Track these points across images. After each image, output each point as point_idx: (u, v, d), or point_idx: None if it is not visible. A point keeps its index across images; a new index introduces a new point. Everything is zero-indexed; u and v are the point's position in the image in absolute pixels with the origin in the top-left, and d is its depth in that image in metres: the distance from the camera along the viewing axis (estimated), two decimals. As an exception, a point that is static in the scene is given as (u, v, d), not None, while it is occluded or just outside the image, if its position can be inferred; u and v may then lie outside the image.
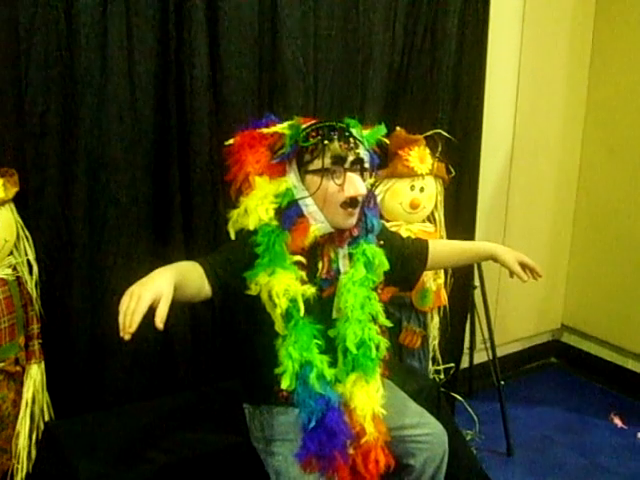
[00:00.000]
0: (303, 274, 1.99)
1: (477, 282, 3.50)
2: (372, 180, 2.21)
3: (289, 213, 2.01)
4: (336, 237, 2.08)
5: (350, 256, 2.13)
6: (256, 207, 2.01)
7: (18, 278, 2.28)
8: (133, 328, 1.57)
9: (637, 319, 4.00)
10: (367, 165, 2.07)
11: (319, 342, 2.01)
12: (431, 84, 3.18)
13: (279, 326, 1.98)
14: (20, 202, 2.26)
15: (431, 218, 3.15)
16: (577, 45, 4.02)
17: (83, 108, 2.35)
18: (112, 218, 2.47)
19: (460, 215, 3.41)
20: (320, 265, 2.07)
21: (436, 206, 3.13)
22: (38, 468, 2.29)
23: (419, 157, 2.94)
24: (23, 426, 2.30)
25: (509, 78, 3.75)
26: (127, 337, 1.57)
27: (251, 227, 2.00)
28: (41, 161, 2.32)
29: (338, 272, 2.10)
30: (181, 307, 2.59)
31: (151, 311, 1.61)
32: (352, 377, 2.08)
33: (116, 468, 2.11)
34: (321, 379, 1.99)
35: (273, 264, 1.95)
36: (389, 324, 2.21)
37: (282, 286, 1.93)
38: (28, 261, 2.29)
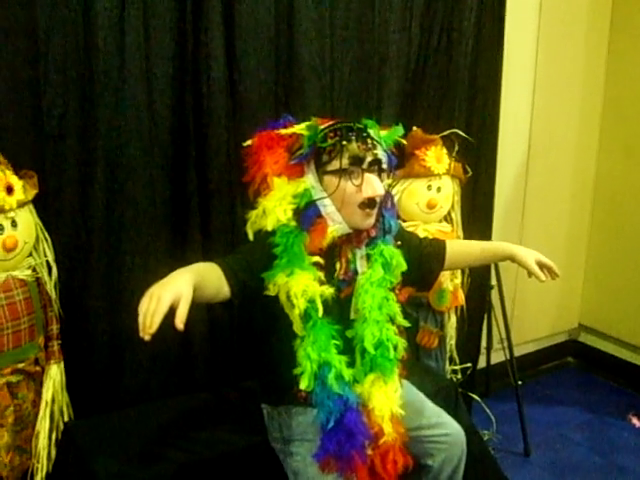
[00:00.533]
0: (321, 275, 1.99)
1: (494, 282, 3.49)
2: (390, 181, 2.20)
3: (307, 214, 2.01)
4: (354, 238, 2.08)
5: (368, 257, 2.12)
6: (274, 208, 2.01)
7: (37, 279, 2.29)
8: (153, 329, 1.58)
9: (655, 319, 3.97)
10: (385, 166, 2.07)
11: (337, 342, 2.01)
12: (447, 83, 3.18)
13: (297, 327, 1.99)
14: (39, 204, 2.27)
15: (448, 218, 3.14)
16: (594, 43, 4.00)
17: (101, 110, 2.36)
18: (130, 219, 2.49)
19: (477, 215, 3.40)
20: (338, 266, 2.07)
21: (453, 206, 3.13)
22: (58, 468, 2.31)
23: (436, 157, 2.94)
24: (43, 426, 2.31)
25: (525, 77, 3.74)
26: (147, 338, 1.58)
27: (269, 228, 2.00)
28: (60, 163, 2.34)
29: (356, 273, 2.10)
30: (200, 307, 2.60)
31: (171, 312, 1.62)
32: (370, 377, 2.08)
33: (134, 467, 2.12)
34: (339, 379, 1.99)
35: (291, 265, 1.95)
36: (407, 324, 2.21)
37: (300, 287, 1.93)
38: (47, 262, 2.31)
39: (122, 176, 2.45)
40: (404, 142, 2.34)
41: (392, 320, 2.14)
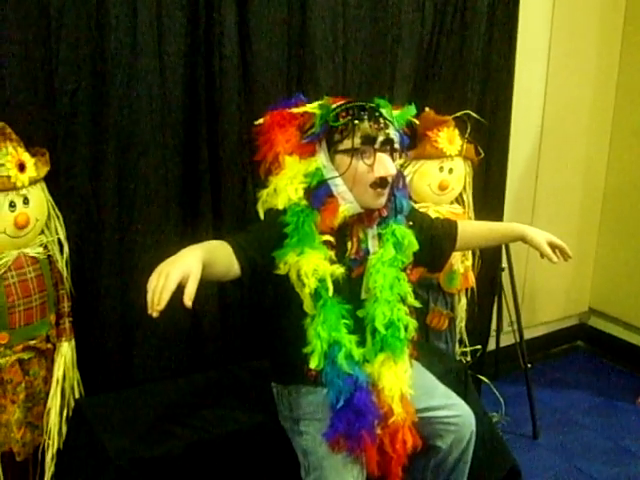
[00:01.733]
0: (332, 254, 1.99)
1: (505, 264, 3.47)
2: (402, 161, 2.20)
3: (318, 193, 2.01)
4: (365, 217, 2.08)
5: (379, 236, 2.12)
6: (285, 187, 2.01)
7: (49, 257, 2.30)
8: (161, 306, 1.58)
9: (666, 303, 3.96)
10: (397, 146, 2.06)
11: (347, 322, 2.01)
12: (460, 64, 3.15)
13: (308, 305, 1.99)
14: (51, 181, 2.27)
15: (459, 200, 3.14)
16: (608, 25, 3.96)
17: (113, 87, 2.36)
18: (141, 197, 2.49)
19: (488, 196, 3.39)
20: (349, 245, 2.06)
21: (465, 188, 3.12)
22: (68, 444, 2.32)
23: (448, 138, 2.92)
24: (54, 403, 2.33)
25: (539, 59, 3.71)
26: (155, 314, 1.58)
27: (280, 207, 2.00)
28: (71, 140, 2.34)
29: (367, 252, 2.10)
30: (210, 286, 2.61)
31: (180, 289, 1.62)
32: (380, 357, 2.08)
33: (144, 444, 2.13)
34: (349, 359, 1.99)
35: (302, 244, 1.95)
36: (418, 305, 2.21)
37: (311, 266, 1.93)
38: (59, 240, 2.31)
39: (134, 154, 2.45)
40: (416, 122, 2.32)
41: (403, 300, 2.14)
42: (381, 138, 2.00)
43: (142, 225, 2.50)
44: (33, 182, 2.17)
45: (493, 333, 3.68)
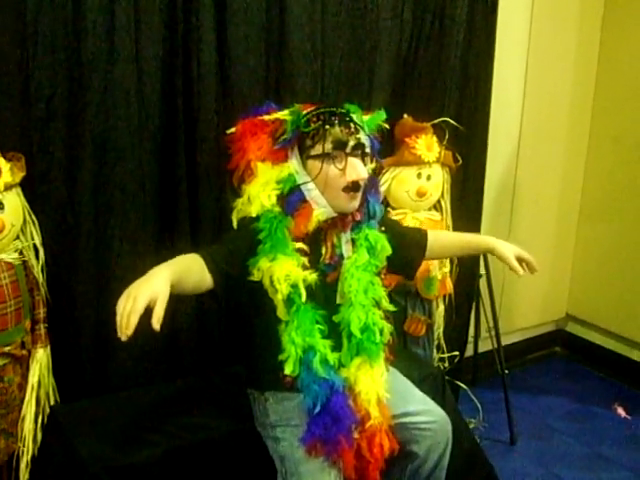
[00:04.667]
0: (305, 260, 2.00)
1: (483, 271, 3.49)
2: (373, 165, 2.21)
3: (292, 199, 2.02)
4: (339, 222, 2.09)
5: (353, 241, 2.13)
6: (258, 194, 2.01)
7: (24, 262, 2.28)
8: (130, 330, 1.59)
9: (642, 309, 3.99)
10: (368, 150, 2.07)
11: (321, 327, 2.02)
12: (439, 72, 3.17)
13: (281, 312, 1.99)
14: (26, 186, 2.25)
15: (437, 206, 3.14)
16: (586, 34, 3.99)
17: (90, 92, 2.34)
18: (118, 203, 2.47)
19: (466, 203, 3.40)
20: (323, 250, 2.07)
21: (443, 194, 3.12)
22: (43, 451, 2.30)
23: (426, 145, 2.93)
24: (29, 410, 2.31)
25: (517, 67, 3.73)
26: (124, 338, 1.60)
27: (254, 214, 2.01)
28: (47, 145, 2.32)
29: (341, 257, 2.10)
30: (187, 296, 2.60)
31: (150, 310, 1.63)
32: (356, 361, 2.08)
33: (120, 452, 2.12)
34: (324, 363, 1.99)
35: (275, 250, 1.96)
36: (393, 308, 2.21)
37: (283, 272, 1.94)
38: (34, 245, 2.29)
39: (110, 160, 2.43)
40: (386, 126, 2.33)
41: (378, 304, 2.14)
42: (352, 143, 2.01)
43: (119, 231, 2.48)
44: (8, 187, 2.15)
45: (471, 339, 3.69)
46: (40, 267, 2.31)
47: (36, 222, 2.30)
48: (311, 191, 2.02)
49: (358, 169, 2.00)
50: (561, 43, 3.90)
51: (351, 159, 2.00)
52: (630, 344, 4.12)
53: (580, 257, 4.36)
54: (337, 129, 1.99)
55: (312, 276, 1.98)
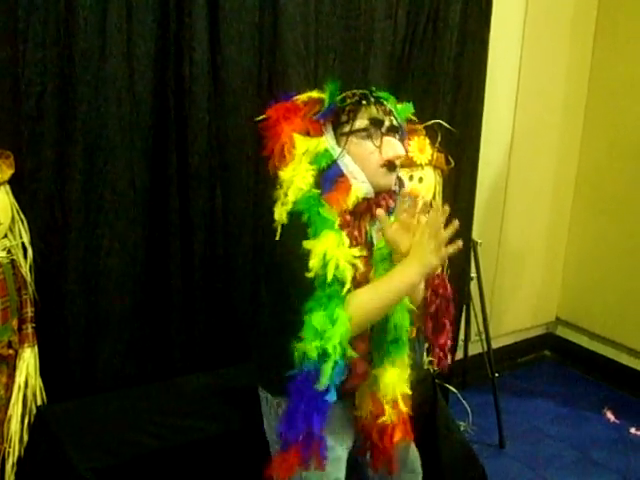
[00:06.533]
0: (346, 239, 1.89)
1: (474, 274, 3.49)
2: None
3: (329, 174, 1.93)
4: (374, 205, 1.97)
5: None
6: (292, 178, 1.93)
7: (12, 261, 2.26)
8: None
9: (632, 314, 4.01)
10: (402, 135, 2.02)
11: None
12: (432, 74, 3.17)
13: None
14: (15, 184, 2.23)
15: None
16: (579, 37, 4.00)
17: (80, 90, 2.32)
18: (108, 202, 2.45)
19: (458, 206, 3.38)
20: (356, 233, 1.97)
21: (434, 197, 3.12)
22: (30, 452, 2.28)
23: (418, 147, 2.93)
24: (15, 410, 2.29)
25: (510, 70, 3.73)
26: None
27: (292, 199, 1.90)
28: (37, 143, 2.30)
29: (371, 244, 2.01)
30: (176, 292, 2.59)
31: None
32: (383, 358, 2.03)
33: (107, 452, 2.11)
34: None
35: (320, 229, 1.85)
36: (412, 307, 2.08)
37: (328, 249, 1.83)
38: (23, 244, 2.27)
39: (101, 158, 2.42)
40: (415, 119, 2.28)
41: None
42: (388, 123, 1.95)
43: (108, 230, 2.47)
44: (-3, 185, 2.13)
45: (461, 342, 3.69)
46: (28, 266, 2.29)
47: (25, 220, 2.28)
48: (348, 165, 1.93)
49: (395, 146, 1.94)
50: (554, 45, 3.91)
51: (388, 138, 1.94)
52: (620, 348, 4.12)
53: (570, 261, 4.37)
54: (373, 108, 1.95)
55: (358, 254, 1.87)
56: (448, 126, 3.10)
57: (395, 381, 2.04)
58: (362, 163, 1.93)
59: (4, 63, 2.20)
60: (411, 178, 2.94)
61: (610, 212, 4.08)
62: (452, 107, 3.28)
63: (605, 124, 4.08)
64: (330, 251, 1.82)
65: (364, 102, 1.94)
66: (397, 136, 1.98)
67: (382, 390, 2.03)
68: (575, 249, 4.33)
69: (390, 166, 1.94)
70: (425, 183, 2.99)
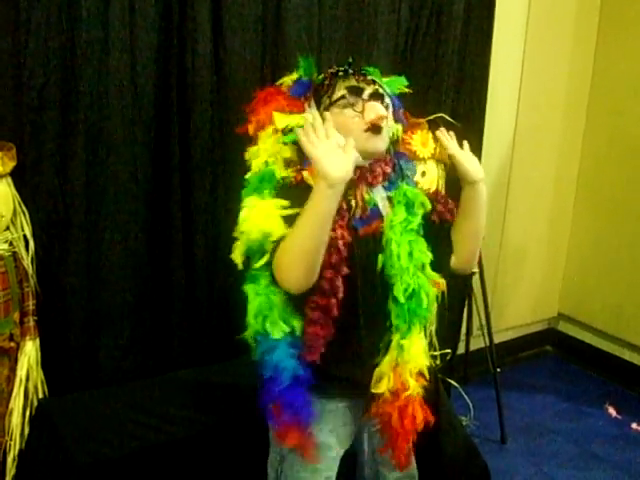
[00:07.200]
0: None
1: (476, 268, 3.47)
2: (399, 125, 2.11)
3: None
4: (368, 174, 1.93)
5: (390, 200, 2.00)
6: (257, 153, 1.96)
7: (14, 254, 2.26)
8: None
9: (633, 309, 4.00)
10: (388, 101, 1.97)
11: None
12: (435, 67, 3.16)
13: None
14: (17, 177, 2.23)
15: (432, 202, 3.12)
16: (582, 32, 3.98)
17: (83, 82, 2.32)
18: (110, 194, 2.45)
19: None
20: (354, 204, 1.92)
21: (437, 190, 3.10)
22: (31, 445, 2.28)
23: (421, 141, 2.92)
24: (17, 403, 2.29)
25: (513, 64, 3.72)
26: None
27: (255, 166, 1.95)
28: (39, 135, 2.29)
29: (376, 213, 1.96)
30: (177, 285, 2.59)
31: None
32: (404, 328, 1.96)
33: (108, 445, 2.12)
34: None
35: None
36: (436, 277, 2.05)
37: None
38: (25, 237, 2.27)
39: (103, 150, 2.41)
40: (408, 91, 2.24)
41: (422, 268, 1.99)
42: (369, 91, 1.92)
43: (110, 222, 2.47)
44: (-1, 177, 2.12)
45: (463, 337, 3.68)
46: (30, 258, 2.29)
47: (26, 213, 2.27)
48: None
49: (376, 107, 1.88)
50: (558, 40, 3.90)
51: (371, 102, 1.90)
52: (621, 343, 4.12)
53: (572, 256, 4.36)
54: (352, 78, 1.92)
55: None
56: (451, 120, 3.09)
57: (421, 352, 2.00)
58: (346, 131, 1.83)
59: (6, 54, 2.20)
60: (414, 172, 2.93)
61: (612, 208, 4.07)
62: (455, 101, 3.28)
63: (607, 121, 4.06)
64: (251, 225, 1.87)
65: (340, 73, 1.92)
66: (383, 104, 1.93)
67: (409, 361, 1.96)
68: (577, 244, 4.32)
69: (374, 129, 1.88)
70: (428, 177, 2.98)
